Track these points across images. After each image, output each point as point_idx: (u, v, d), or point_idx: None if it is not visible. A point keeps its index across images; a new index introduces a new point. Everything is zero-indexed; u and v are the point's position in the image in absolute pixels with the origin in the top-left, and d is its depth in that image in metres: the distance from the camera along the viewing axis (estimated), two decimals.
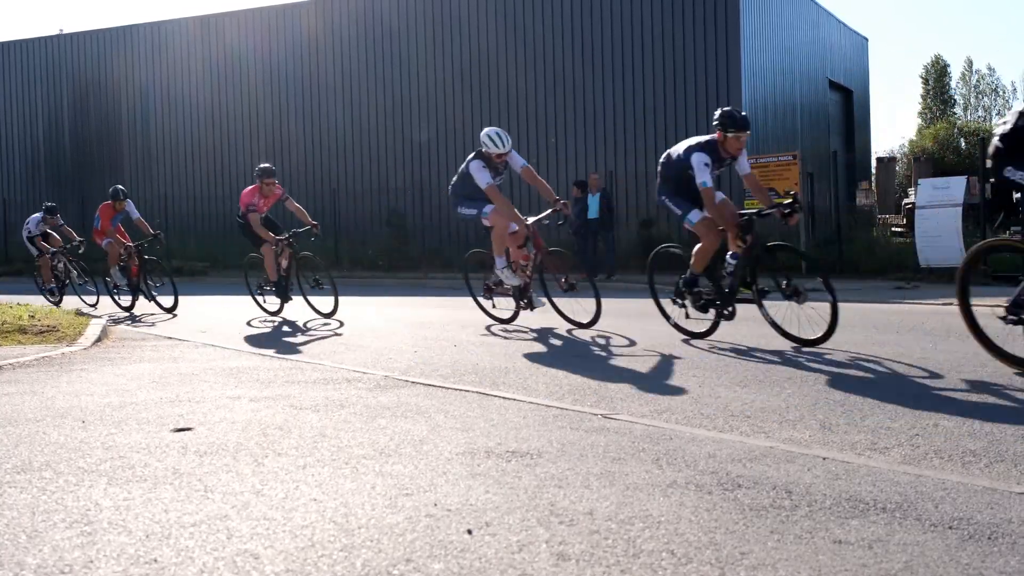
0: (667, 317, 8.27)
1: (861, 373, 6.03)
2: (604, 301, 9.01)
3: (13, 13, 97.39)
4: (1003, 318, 6.12)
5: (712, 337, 7.76)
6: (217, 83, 28.35)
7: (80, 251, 14.80)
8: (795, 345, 7.17)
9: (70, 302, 14.04)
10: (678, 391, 5.51)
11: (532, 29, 24.15)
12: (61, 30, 31.85)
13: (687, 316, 8.01)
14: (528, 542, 2.78)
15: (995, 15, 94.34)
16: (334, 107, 26.72)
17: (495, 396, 5.38)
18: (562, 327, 9.13)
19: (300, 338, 8.92)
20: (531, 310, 9.38)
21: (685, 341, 7.76)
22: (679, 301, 8.05)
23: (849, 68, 31.21)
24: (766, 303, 7.39)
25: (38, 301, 14.13)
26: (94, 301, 14.10)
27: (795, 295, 7.14)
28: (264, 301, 11.69)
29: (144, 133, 29.45)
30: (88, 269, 14.82)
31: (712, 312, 7.71)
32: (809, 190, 19.07)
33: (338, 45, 26.65)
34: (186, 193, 28.65)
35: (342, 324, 10.16)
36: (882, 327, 8.73)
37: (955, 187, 16.07)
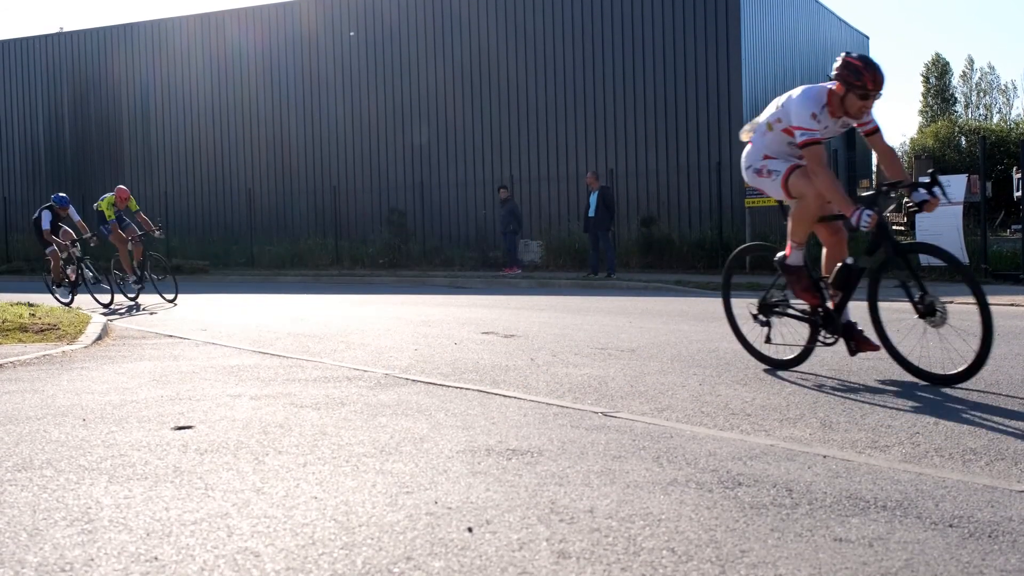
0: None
1: (861, 371, 6.03)
2: (603, 299, 9.02)
3: (13, 11, 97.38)
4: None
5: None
6: (217, 81, 28.36)
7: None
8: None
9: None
10: (678, 389, 5.51)
11: (532, 28, 24.15)
12: (61, 28, 31.88)
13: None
14: (529, 540, 2.79)
15: (996, 13, 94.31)
16: (334, 105, 26.74)
17: (496, 394, 5.38)
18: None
19: (300, 336, 8.93)
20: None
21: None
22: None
23: None
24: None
25: (39, 299, 14.14)
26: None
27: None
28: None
29: (144, 131, 29.46)
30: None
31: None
32: None
33: (338, 43, 26.66)
34: (186, 191, 28.67)
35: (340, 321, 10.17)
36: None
37: (956, 185, 16.08)
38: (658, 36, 22.81)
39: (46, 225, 14.04)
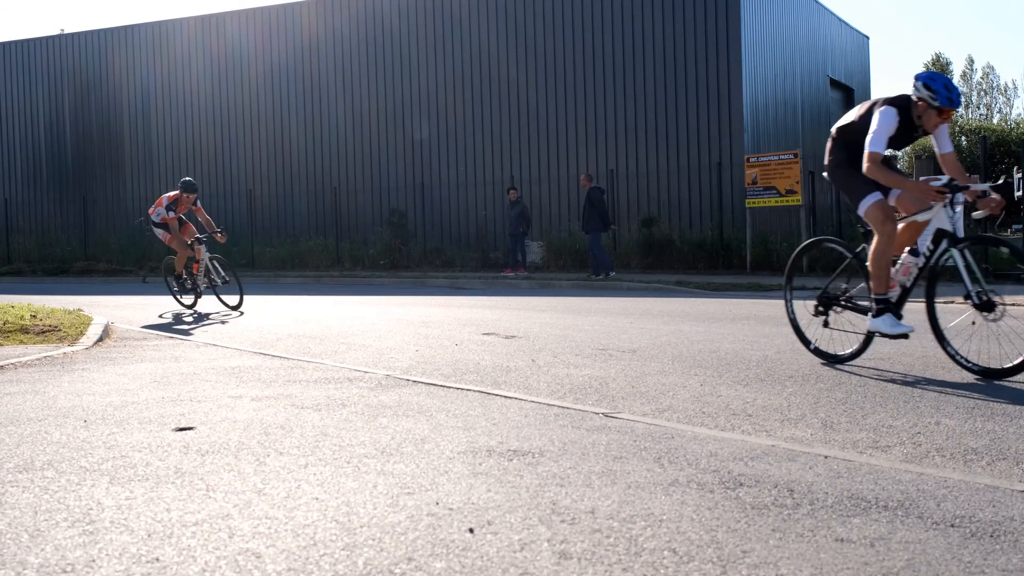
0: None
1: (863, 371, 6.02)
2: (603, 300, 9.02)
3: (15, 13, 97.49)
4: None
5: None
6: (218, 82, 28.38)
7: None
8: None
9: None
10: (679, 390, 5.51)
11: (531, 28, 24.16)
12: (62, 30, 31.89)
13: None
14: (530, 541, 2.79)
15: (996, 13, 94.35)
16: (334, 105, 26.75)
17: (496, 395, 5.38)
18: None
19: (301, 337, 8.93)
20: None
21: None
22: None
23: (850, 66, 31.20)
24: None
25: (40, 301, 13.60)
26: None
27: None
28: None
29: (145, 132, 29.48)
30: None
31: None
32: (810, 189, 19.09)
33: (338, 44, 26.68)
34: None
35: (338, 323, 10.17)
36: None
37: None
38: (658, 36, 22.81)
39: None
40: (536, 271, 20.82)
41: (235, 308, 12.01)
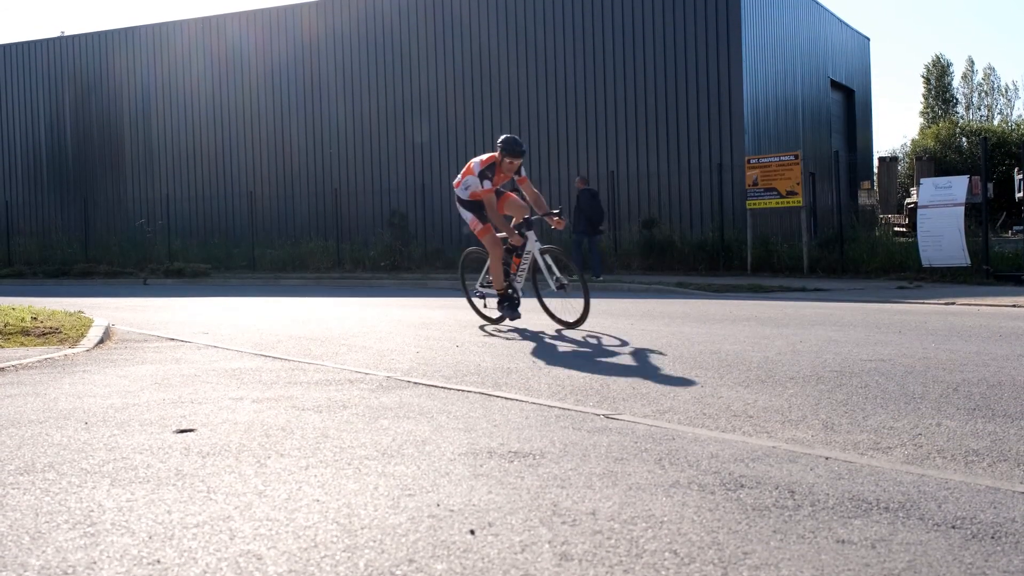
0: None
1: (863, 373, 6.02)
2: (604, 302, 9.00)
3: (15, 15, 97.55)
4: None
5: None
6: (218, 84, 28.39)
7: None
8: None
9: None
10: (680, 391, 5.51)
11: (531, 28, 24.18)
12: (63, 32, 31.94)
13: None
14: (531, 542, 2.79)
15: (996, 14, 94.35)
16: (335, 107, 26.77)
17: (497, 397, 5.38)
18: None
19: (302, 339, 8.92)
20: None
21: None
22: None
23: (851, 68, 31.22)
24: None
25: (41, 303, 13.51)
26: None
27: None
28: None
29: (146, 134, 29.49)
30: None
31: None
32: (811, 190, 19.11)
33: (338, 46, 26.70)
34: (188, 193, 28.70)
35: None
36: (884, 327, 8.73)
37: (957, 186, 16.09)
38: (658, 37, 22.83)
39: None
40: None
41: (574, 324, 8.73)
